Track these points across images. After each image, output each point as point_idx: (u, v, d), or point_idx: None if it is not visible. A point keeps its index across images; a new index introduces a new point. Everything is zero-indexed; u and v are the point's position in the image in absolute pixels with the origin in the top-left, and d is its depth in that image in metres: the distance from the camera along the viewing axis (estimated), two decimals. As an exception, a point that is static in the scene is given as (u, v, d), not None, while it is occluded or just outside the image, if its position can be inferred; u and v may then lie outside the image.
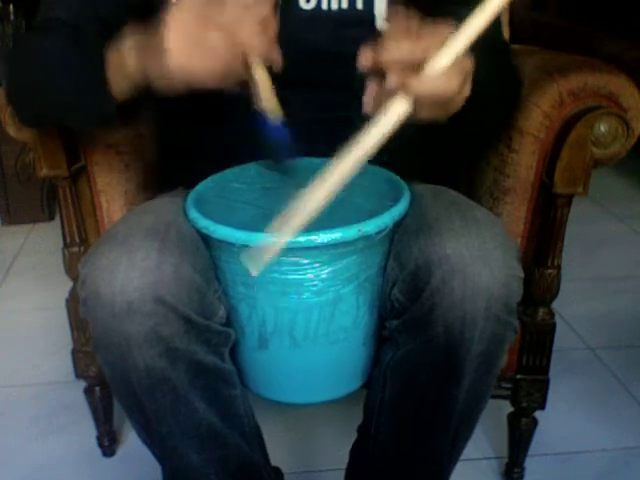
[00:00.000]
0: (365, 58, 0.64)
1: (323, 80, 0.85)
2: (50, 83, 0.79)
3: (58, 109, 0.83)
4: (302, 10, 0.84)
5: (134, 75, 0.71)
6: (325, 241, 0.68)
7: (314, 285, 0.71)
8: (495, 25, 0.66)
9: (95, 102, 0.75)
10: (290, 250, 0.68)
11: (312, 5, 0.84)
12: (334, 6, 0.84)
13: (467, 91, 0.67)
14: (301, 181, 0.84)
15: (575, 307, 1.59)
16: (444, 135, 0.84)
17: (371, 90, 0.66)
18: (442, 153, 1.02)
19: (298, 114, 0.79)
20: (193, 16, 0.66)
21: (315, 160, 0.86)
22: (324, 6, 0.84)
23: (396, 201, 0.74)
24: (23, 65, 0.82)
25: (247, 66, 0.69)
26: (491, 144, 0.97)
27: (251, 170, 0.84)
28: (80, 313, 0.73)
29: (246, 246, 0.68)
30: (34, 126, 0.90)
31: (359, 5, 0.84)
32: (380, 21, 0.85)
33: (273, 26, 0.68)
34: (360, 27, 0.85)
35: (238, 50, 0.66)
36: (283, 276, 0.70)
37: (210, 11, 0.65)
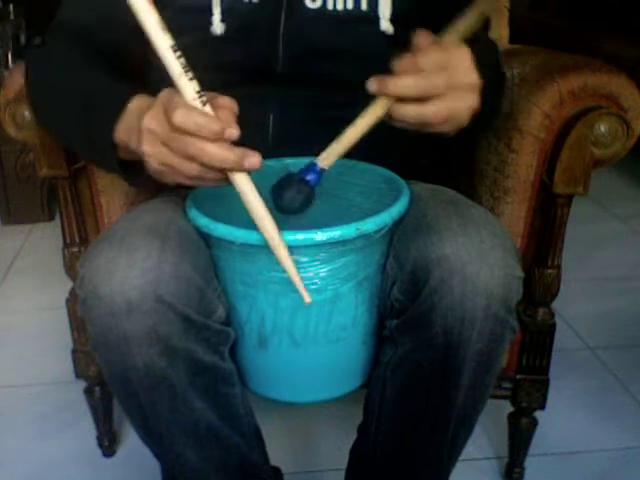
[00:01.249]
0: (372, 87, 0.68)
1: (327, 79, 0.85)
2: (61, 119, 0.80)
3: (66, 141, 0.85)
4: (308, 9, 0.84)
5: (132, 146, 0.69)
6: (324, 239, 0.68)
7: (313, 283, 0.71)
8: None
9: (101, 156, 0.74)
10: (290, 248, 0.68)
11: (318, 4, 0.84)
12: (339, 6, 0.84)
13: (474, 103, 0.70)
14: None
15: (575, 307, 1.59)
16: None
17: None
18: (441, 151, 1.02)
19: (301, 112, 0.79)
20: (159, 133, 0.63)
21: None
22: (329, 6, 0.84)
23: (395, 200, 0.74)
24: (39, 85, 0.83)
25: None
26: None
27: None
28: (79, 312, 0.73)
29: (245, 244, 0.68)
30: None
31: (363, 6, 0.85)
32: (384, 22, 0.85)
33: (234, 133, 0.62)
34: (364, 27, 0.86)
35: (208, 164, 0.62)
36: (282, 274, 0.70)
37: (170, 137, 0.62)
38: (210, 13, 0.83)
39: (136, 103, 0.68)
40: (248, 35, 0.85)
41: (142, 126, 0.63)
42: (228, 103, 0.63)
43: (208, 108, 0.62)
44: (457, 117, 0.70)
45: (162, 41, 0.60)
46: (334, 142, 0.71)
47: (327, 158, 0.72)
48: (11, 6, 2.10)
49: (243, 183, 0.64)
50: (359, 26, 0.86)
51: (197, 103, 0.61)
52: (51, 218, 2.14)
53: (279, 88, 0.87)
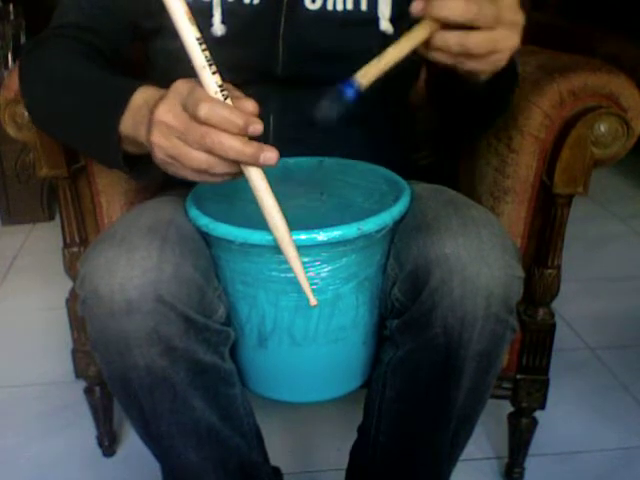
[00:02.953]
0: (416, 8, 0.65)
1: (327, 80, 0.85)
2: (60, 117, 0.79)
3: (66, 140, 0.85)
4: (308, 10, 0.84)
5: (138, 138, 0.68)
6: (325, 239, 0.68)
7: (314, 283, 0.71)
8: None
9: (105, 152, 0.73)
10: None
11: (318, 6, 0.84)
12: (339, 7, 0.84)
13: (516, 44, 0.67)
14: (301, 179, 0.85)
15: (575, 307, 1.59)
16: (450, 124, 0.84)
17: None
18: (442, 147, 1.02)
19: (301, 113, 0.78)
20: (175, 125, 0.62)
21: (316, 159, 0.87)
22: (329, 7, 0.84)
23: (396, 200, 0.74)
24: (35, 84, 0.82)
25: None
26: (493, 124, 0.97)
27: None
28: (79, 312, 0.73)
29: (245, 244, 0.68)
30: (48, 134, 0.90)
31: (363, 7, 0.85)
32: (384, 22, 0.85)
33: (258, 127, 0.62)
34: (364, 28, 0.86)
35: (221, 155, 0.62)
36: (283, 274, 0.70)
37: (189, 127, 0.61)
38: (210, 14, 0.83)
39: (142, 95, 0.68)
40: (248, 36, 0.85)
41: (155, 118, 0.63)
42: (250, 101, 0.63)
43: (229, 102, 0.62)
44: (497, 54, 0.66)
45: (189, 32, 0.60)
46: (374, 60, 0.68)
47: (365, 75, 0.68)
48: (11, 6, 2.10)
49: (257, 179, 0.63)
50: (359, 27, 0.86)
51: (219, 96, 0.61)
52: (51, 218, 2.14)
53: (279, 89, 0.87)
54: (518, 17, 0.66)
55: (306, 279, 0.67)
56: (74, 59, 0.80)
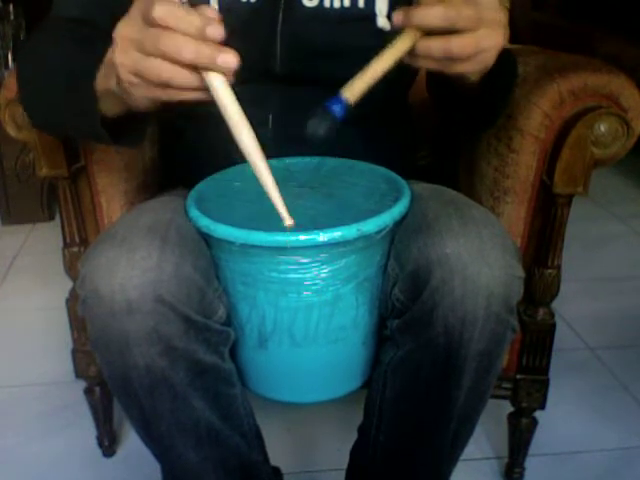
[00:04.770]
0: (397, 19, 0.65)
1: (325, 77, 0.85)
2: (47, 96, 0.78)
3: (55, 121, 0.82)
4: (305, 7, 0.85)
5: (112, 90, 0.67)
6: (325, 240, 0.68)
7: (314, 284, 0.71)
8: None
9: (84, 118, 0.71)
10: (290, 249, 0.69)
11: (315, 3, 0.85)
12: (336, 4, 0.85)
13: (502, 41, 0.67)
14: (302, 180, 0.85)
15: (575, 307, 1.59)
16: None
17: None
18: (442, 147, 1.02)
19: (300, 111, 0.78)
20: (133, 36, 0.60)
21: (315, 159, 0.87)
22: (327, 4, 0.85)
23: (396, 201, 0.74)
24: (28, 76, 0.82)
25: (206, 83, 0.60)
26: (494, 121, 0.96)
27: (251, 169, 0.84)
28: (79, 312, 0.73)
29: (246, 245, 0.68)
30: (48, 133, 0.90)
31: (360, 3, 0.85)
32: (381, 19, 0.85)
33: (216, 31, 0.58)
34: (361, 25, 0.86)
35: (177, 60, 0.59)
36: (283, 275, 0.70)
37: (145, 34, 0.59)
38: None
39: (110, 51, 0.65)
40: (246, 35, 0.85)
41: (115, 36, 0.61)
42: (210, 8, 0.60)
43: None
44: (483, 55, 0.67)
45: None
46: (358, 75, 0.68)
47: (351, 91, 0.68)
48: (11, 6, 2.10)
49: (219, 87, 0.60)
50: (356, 23, 0.86)
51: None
52: (51, 218, 2.14)
53: (278, 87, 0.87)
54: (499, 16, 0.67)
55: (280, 197, 0.64)
56: (62, 44, 0.79)
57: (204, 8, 0.60)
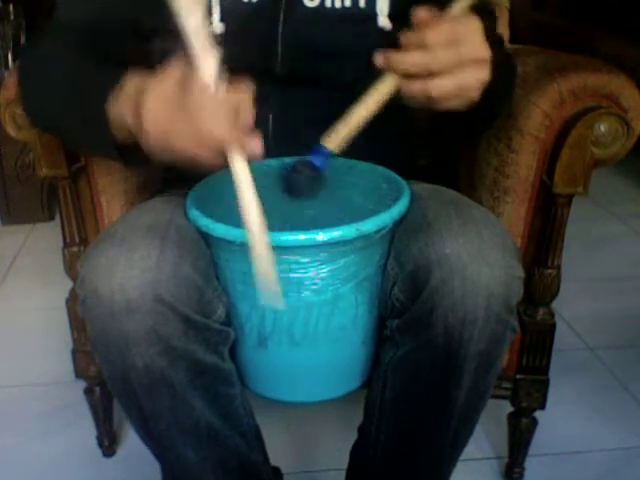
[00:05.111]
0: (378, 61, 0.67)
1: (326, 77, 0.85)
2: (54, 109, 0.79)
3: (63, 135, 0.84)
4: (306, 8, 0.85)
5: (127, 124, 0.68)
6: (325, 239, 0.68)
7: (314, 284, 0.71)
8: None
9: (96, 140, 0.73)
10: (290, 249, 0.69)
11: (316, 3, 0.85)
12: (337, 4, 0.85)
13: (484, 77, 0.68)
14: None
15: (575, 307, 1.59)
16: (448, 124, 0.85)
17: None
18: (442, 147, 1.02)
19: (301, 111, 0.78)
20: (165, 100, 0.62)
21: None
22: (328, 4, 0.85)
23: (396, 200, 0.74)
24: (32, 81, 0.82)
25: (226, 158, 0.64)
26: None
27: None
28: (79, 312, 0.73)
29: (245, 244, 0.68)
30: (48, 133, 0.90)
31: (361, 3, 0.85)
32: (382, 19, 0.85)
33: (247, 116, 0.62)
34: (362, 25, 0.86)
35: (207, 141, 0.62)
36: (283, 274, 0.70)
37: (179, 96, 0.62)
38: (209, 13, 0.83)
39: (132, 82, 0.67)
40: (247, 35, 0.85)
41: (146, 101, 0.62)
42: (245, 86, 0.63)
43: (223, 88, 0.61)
44: (466, 92, 0.68)
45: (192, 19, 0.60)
46: (340, 122, 0.69)
47: (334, 140, 0.70)
48: (11, 6, 2.10)
49: (240, 170, 0.63)
50: (357, 23, 0.86)
51: (212, 81, 0.61)
52: (51, 218, 2.14)
53: (279, 87, 0.87)
54: (482, 53, 0.67)
55: (277, 282, 0.65)
56: (69, 53, 0.80)
57: (240, 86, 0.62)
